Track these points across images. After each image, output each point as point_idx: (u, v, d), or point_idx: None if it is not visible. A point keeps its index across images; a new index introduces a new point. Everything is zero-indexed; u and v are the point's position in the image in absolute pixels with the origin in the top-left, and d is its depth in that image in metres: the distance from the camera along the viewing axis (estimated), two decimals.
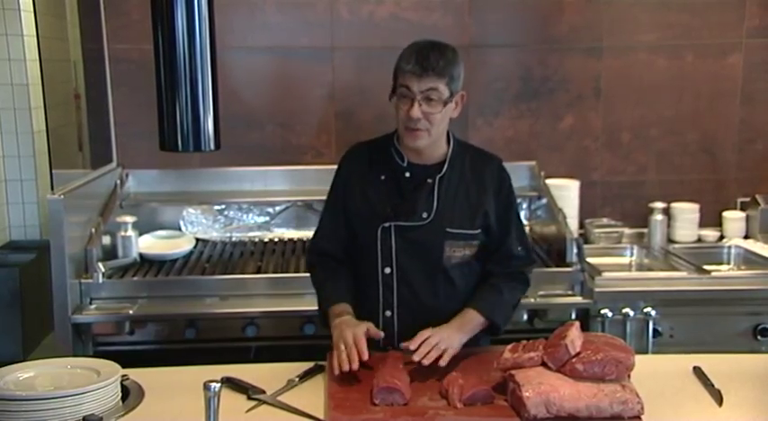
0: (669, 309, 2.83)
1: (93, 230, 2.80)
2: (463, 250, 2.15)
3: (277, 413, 1.81)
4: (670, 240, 3.39)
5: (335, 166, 2.28)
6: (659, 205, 3.33)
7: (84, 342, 2.65)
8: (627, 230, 3.41)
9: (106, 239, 2.93)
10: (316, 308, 2.26)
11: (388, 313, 2.16)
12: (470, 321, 2.09)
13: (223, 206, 3.37)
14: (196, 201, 3.32)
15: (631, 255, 3.33)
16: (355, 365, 1.89)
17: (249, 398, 1.86)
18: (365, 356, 1.91)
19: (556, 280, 2.82)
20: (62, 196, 2.61)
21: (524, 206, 3.38)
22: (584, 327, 2.71)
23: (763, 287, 2.87)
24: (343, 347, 1.93)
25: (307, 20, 3.33)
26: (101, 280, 2.70)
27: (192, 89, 1.78)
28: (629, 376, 1.81)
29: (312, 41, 3.34)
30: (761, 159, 3.55)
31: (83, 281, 2.69)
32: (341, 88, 3.38)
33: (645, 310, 2.80)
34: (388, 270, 2.14)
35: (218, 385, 1.57)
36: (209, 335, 2.71)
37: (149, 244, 3.11)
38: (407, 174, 2.15)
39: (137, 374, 1.96)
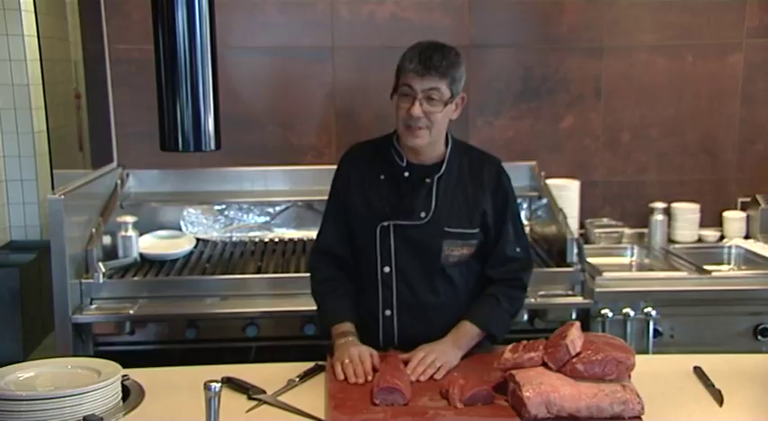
0: (669, 309, 2.83)
1: (94, 230, 2.80)
2: (461, 249, 2.15)
3: (277, 413, 1.81)
4: (670, 240, 3.39)
5: (335, 167, 2.28)
6: (660, 205, 3.33)
7: (85, 342, 2.65)
8: (627, 230, 3.41)
9: (106, 239, 2.93)
10: (316, 308, 2.26)
11: (388, 312, 2.16)
12: (466, 335, 2.11)
13: (223, 206, 3.37)
14: (196, 201, 3.32)
15: (632, 255, 3.33)
16: (360, 380, 1.92)
17: (249, 398, 1.86)
18: (370, 376, 1.93)
19: (556, 280, 2.82)
20: (62, 196, 2.61)
21: (524, 206, 3.38)
22: (585, 328, 2.71)
23: (763, 287, 2.87)
24: (348, 361, 1.96)
25: (307, 20, 3.33)
26: (101, 280, 2.70)
27: (193, 89, 1.78)
28: (629, 376, 1.80)
29: (312, 41, 3.34)
30: (761, 159, 3.55)
31: (83, 281, 2.69)
32: (341, 88, 3.38)
33: (645, 310, 2.80)
34: (387, 269, 2.15)
35: (219, 385, 1.57)
36: (209, 336, 2.71)
37: (150, 244, 3.11)
38: (406, 174, 2.16)
39: (137, 374, 1.96)
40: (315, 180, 3.22)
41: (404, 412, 1.76)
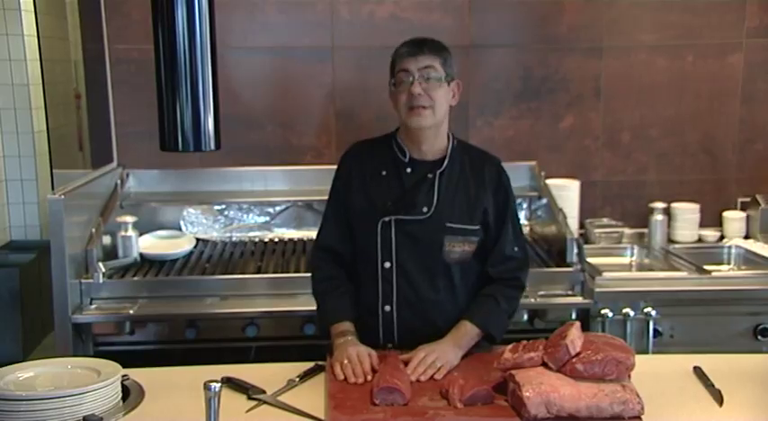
0: (669, 309, 2.83)
1: (94, 230, 2.80)
2: (462, 246, 2.16)
3: (277, 413, 1.81)
4: (670, 240, 3.39)
5: (336, 166, 2.29)
6: (659, 205, 3.33)
7: (85, 342, 2.65)
8: (627, 230, 3.41)
9: (106, 239, 2.93)
10: (315, 308, 2.27)
11: (388, 308, 2.17)
12: (465, 335, 2.11)
13: (223, 206, 3.37)
14: (196, 201, 3.32)
15: (632, 255, 3.33)
16: (360, 380, 1.92)
17: (249, 398, 1.86)
18: (369, 376, 1.93)
19: (556, 280, 2.82)
20: (62, 196, 2.61)
21: (524, 206, 3.38)
22: (585, 328, 2.71)
23: (763, 287, 2.87)
24: (347, 362, 1.97)
25: (307, 20, 3.33)
26: (101, 280, 2.70)
27: (193, 89, 1.78)
28: (629, 376, 1.80)
29: (312, 41, 3.34)
30: (761, 159, 3.55)
31: (83, 281, 2.69)
32: (341, 88, 3.38)
33: (645, 310, 2.80)
34: (387, 265, 2.16)
35: (219, 385, 1.57)
36: (209, 335, 2.71)
37: (150, 244, 3.11)
38: (408, 170, 2.18)
39: (137, 374, 1.96)
40: (315, 180, 3.22)
41: (404, 412, 1.76)
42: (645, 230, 3.38)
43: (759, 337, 2.84)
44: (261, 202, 3.35)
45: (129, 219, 2.93)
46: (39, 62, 2.87)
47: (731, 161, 3.54)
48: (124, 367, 1.88)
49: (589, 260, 2.91)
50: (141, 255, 2.97)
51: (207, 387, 1.56)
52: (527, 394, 1.72)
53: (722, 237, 3.44)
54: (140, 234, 3.01)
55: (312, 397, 1.89)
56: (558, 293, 2.78)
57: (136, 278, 2.82)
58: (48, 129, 2.90)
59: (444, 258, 2.15)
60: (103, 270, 2.72)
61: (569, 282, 2.81)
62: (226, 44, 3.18)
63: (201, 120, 1.80)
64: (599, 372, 1.76)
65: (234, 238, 3.32)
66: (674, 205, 3.42)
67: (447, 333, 2.12)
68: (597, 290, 2.79)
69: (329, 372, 1.98)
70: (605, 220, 3.45)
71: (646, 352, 2.77)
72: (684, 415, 1.81)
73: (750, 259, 3.22)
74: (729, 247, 3.34)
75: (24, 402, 1.68)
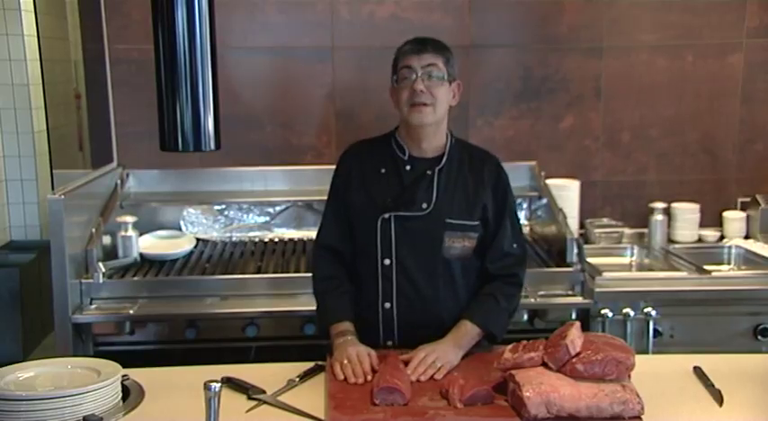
0: (669, 308, 2.83)
1: (94, 230, 2.80)
2: (462, 241, 2.17)
3: (277, 413, 1.81)
4: (670, 240, 3.39)
5: (335, 166, 2.30)
6: (659, 205, 3.33)
7: (85, 342, 2.65)
8: (627, 230, 3.41)
9: (106, 239, 2.93)
10: (315, 308, 2.27)
11: (388, 305, 2.17)
12: (466, 334, 2.11)
13: (223, 206, 3.37)
14: (196, 201, 3.32)
15: (632, 255, 3.33)
16: (360, 380, 1.92)
17: (249, 398, 1.86)
18: (369, 376, 1.93)
19: (556, 280, 2.82)
20: (62, 196, 2.61)
21: (524, 206, 3.38)
22: (585, 328, 2.71)
23: (763, 287, 2.87)
24: (347, 362, 1.97)
25: (307, 20, 3.33)
26: (101, 280, 2.70)
27: (193, 89, 1.78)
28: (629, 376, 1.80)
29: (312, 41, 3.34)
30: (761, 159, 3.55)
31: (83, 281, 2.69)
32: (341, 88, 3.38)
33: (645, 310, 2.80)
34: (387, 261, 2.16)
35: (219, 385, 1.57)
36: (209, 335, 2.71)
37: (150, 244, 3.11)
38: (408, 167, 2.19)
39: (137, 374, 1.96)
40: (315, 180, 3.22)
41: (404, 412, 1.76)
42: (645, 230, 3.38)
43: (759, 337, 2.84)
44: (261, 202, 3.35)
45: (129, 219, 2.93)
46: (39, 62, 2.87)
47: (731, 161, 3.54)
48: (124, 367, 1.88)
49: (589, 260, 2.91)
50: (141, 255, 2.97)
51: (207, 387, 1.56)
52: (527, 394, 1.72)
53: (722, 237, 3.44)
54: (140, 234, 3.01)
55: (312, 397, 1.89)
56: (558, 293, 2.78)
57: (136, 278, 2.82)
58: (48, 129, 2.90)
59: (444, 254, 2.16)
60: (103, 270, 2.72)
61: (569, 282, 2.81)
62: (226, 44, 3.17)
63: (201, 121, 1.80)
64: (599, 372, 1.76)
65: (234, 238, 3.32)
66: (674, 205, 3.42)
67: (448, 330, 2.12)
68: (597, 290, 2.79)
69: (329, 372, 1.98)
70: (605, 220, 3.45)
71: (646, 352, 2.77)
72: (684, 415, 1.81)
73: (750, 259, 3.22)
74: (729, 247, 3.34)
75: (24, 402, 1.68)
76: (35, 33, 3.10)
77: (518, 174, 3.25)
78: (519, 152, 3.42)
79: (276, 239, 3.32)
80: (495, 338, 2.17)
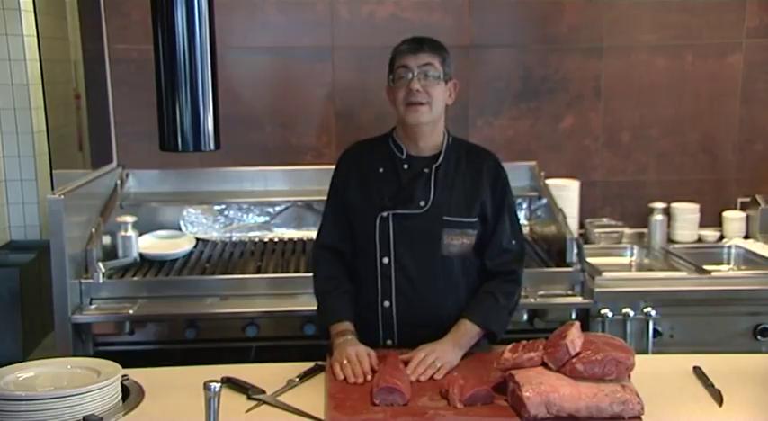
0: (669, 308, 2.83)
1: (94, 230, 2.80)
2: (461, 239, 2.17)
3: (277, 413, 1.81)
4: (670, 240, 3.39)
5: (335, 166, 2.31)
6: (659, 205, 3.33)
7: (85, 342, 2.65)
8: (627, 230, 3.41)
9: (106, 239, 2.93)
10: (315, 308, 2.27)
11: (387, 304, 2.18)
12: (465, 334, 2.11)
13: (223, 206, 3.37)
14: (196, 201, 3.32)
15: (631, 255, 3.33)
16: (360, 380, 1.92)
17: (249, 398, 1.86)
18: (369, 376, 1.93)
19: (556, 280, 2.82)
20: (62, 196, 2.61)
21: (524, 206, 3.38)
22: (585, 328, 2.71)
23: (763, 287, 2.87)
24: (346, 362, 1.97)
25: (307, 20, 3.33)
26: (101, 280, 2.70)
27: (192, 89, 1.78)
28: (629, 376, 1.80)
29: (312, 41, 3.34)
30: (761, 159, 3.55)
31: (83, 281, 2.69)
32: (341, 88, 3.38)
33: (645, 310, 2.80)
34: (386, 260, 2.16)
35: (219, 385, 1.57)
36: (209, 335, 2.71)
37: (149, 244, 3.11)
38: (405, 166, 2.20)
39: (137, 374, 1.96)
40: (315, 180, 3.22)
41: (403, 412, 1.76)
42: (645, 230, 3.38)
43: (759, 337, 2.84)
44: (261, 202, 3.35)
45: (129, 219, 2.93)
46: (38, 62, 2.87)
47: (731, 161, 3.54)
48: (124, 367, 1.88)
49: (589, 260, 2.91)
50: (141, 255, 2.97)
51: (207, 387, 1.56)
52: (527, 394, 1.72)
53: (722, 237, 3.44)
54: (140, 234, 3.01)
55: (312, 397, 1.89)
56: (558, 293, 2.78)
57: (136, 278, 2.82)
58: (47, 129, 2.90)
59: (443, 252, 2.16)
60: (103, 270, 2.72)
61: (569, 282, 2.81)
62: (226, 44, 3.17)
63: (201, 121, 1.80)
64: (599, 372, 1.76)
65: (234, 238, 3.32)
66: (674, 205, 3.42)
67: (448, 330, 2.12)
68: (597, 290, 2.79)
69: (329, 372, 1.99)
70: (605, 220, 3.45)
71: (646, 352, 2.77)
72: (684, 415, 1.81)
73: (750, 259, 3.22)
74: (729, 247, 3.34)
75: (24, 402, 1.68)
76: (35, 33, 3.10)
77: (518, 174, 3.25)
78: (519, 152, 3.42)
79: (276, 239, 3.32)
80: (494, 337, 2.17)
